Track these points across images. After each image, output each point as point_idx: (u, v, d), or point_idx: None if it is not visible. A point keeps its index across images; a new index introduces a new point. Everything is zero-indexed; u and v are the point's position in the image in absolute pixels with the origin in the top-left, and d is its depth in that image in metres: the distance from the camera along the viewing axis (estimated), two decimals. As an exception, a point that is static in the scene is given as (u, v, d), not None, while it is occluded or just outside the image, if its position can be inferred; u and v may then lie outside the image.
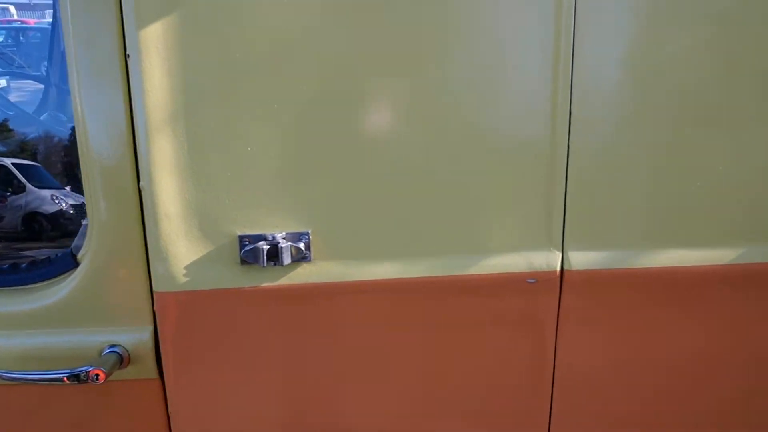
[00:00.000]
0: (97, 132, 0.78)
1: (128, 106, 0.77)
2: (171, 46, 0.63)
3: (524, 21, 0.67)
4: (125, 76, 0.76)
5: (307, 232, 0.69)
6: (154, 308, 0.70)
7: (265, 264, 0.65)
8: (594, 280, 0.73)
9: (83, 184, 0.83)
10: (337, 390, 0.75)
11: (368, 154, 0.69)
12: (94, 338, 0.84)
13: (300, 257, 0.67)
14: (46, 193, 2.29)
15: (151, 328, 0.85)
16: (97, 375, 0.78)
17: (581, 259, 0.73)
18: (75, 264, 0.85)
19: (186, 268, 0.69)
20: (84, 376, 0.78)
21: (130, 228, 0.81)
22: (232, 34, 0.63)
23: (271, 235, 0.68)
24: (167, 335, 0.71)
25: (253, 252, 0.65)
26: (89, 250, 0.84)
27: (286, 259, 0.66)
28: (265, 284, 0.70)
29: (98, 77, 0.76)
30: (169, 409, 0.74)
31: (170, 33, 0.63)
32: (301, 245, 0.67)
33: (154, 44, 0.62)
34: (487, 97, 0.69)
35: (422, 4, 0.66)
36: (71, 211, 2.21)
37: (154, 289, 0.70)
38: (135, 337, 0.85)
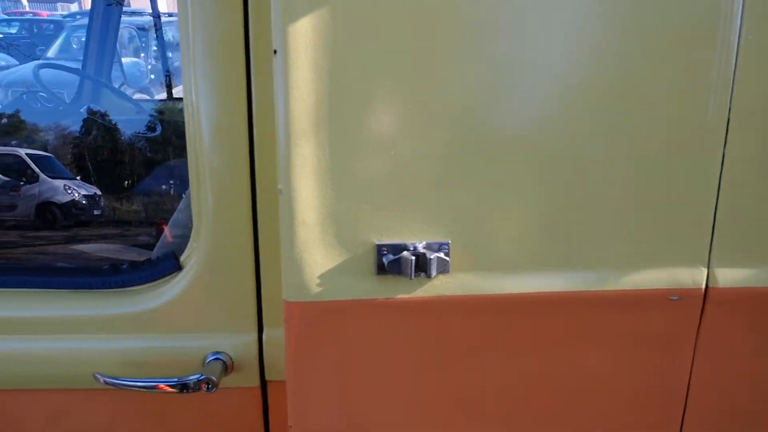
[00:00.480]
0: (214, 134, 0.75)
1: (248, 108, 0.74)
2: (319, 44, 0.60)
3: (682, 20, 0.63)
4: (246, 75, 0.73)
5: (447, 243, 0.66)
6: (283, 317, 0.67)
7: (413, 276, 0.62)
8: (740, 298, 0.70)
9: (191, 186, 0.80)
10: (468, 407, 0.72)
11: (512, 164, 0.65)
12: (196, 344, 0.81)
13: (443, 269, 0.64)
14: (59, 183, 2.29)
15: (255, 335, 0.82)
16: (210, 384, 0.75)
17: (728, 276, 0.69)
18: (178, 267, 0.82)
19: (320, 277, 0.65)
20: (196, 384, 0.75)
21: (240, 233, 0.78)
22: (382, 37, 0.60)
23: (412, 244, 0.65)
24: (295, 344, 0.68)
25: (399, 262, 0.62)
26: (194, 253, 0.81)
27: (434, 271, 0.62)
28: (399, 296, 0.67)
29: (220, 75, 0.73)
30: (290, 420, 0.71)
31: (319, 31, 0.59)
32: (443, 256, 0.64)
33: (302, 42, 0.59)
34: (639, 104, 0.65)
35: (583, 2, 0.62)
36: (83, 202, 2.20)
37: (285, 297, 0.66)
38: (239, 344, 0.82)
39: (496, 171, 0.65)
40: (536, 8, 0.61)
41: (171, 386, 0.75)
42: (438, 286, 0.67)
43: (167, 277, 0.81)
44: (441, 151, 0.64)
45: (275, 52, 0.60)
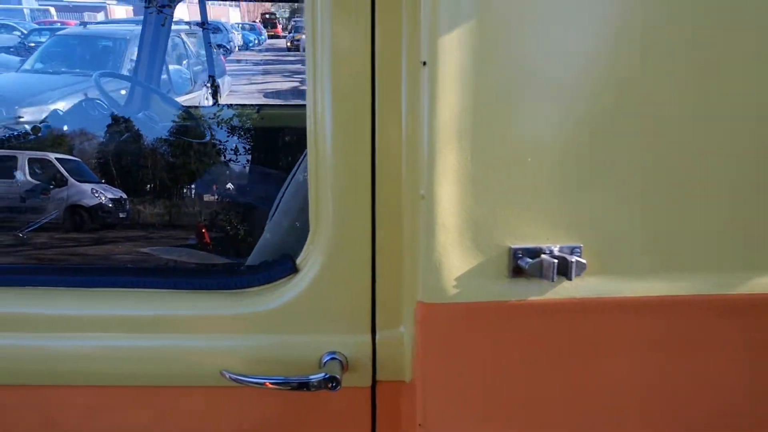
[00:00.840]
0: (336, 141, 0.78)
1: (372, 117, 0.76)
2: (465, 57, 0.62)
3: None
4: (372, 84, 0.75)
5: (580, 246, 0.67)
6: (418, 317, 0.69)
7: (555, 278, 0.64)
8: None
9: (310, 192, 0.83)
10: (594, 407, 0.73)
11: (641, 168, 0.67)
12: (312, 344, 0.84)
13: (580, 271, 0.65)
14: (87, 186, 2.35)
15: (369, 336, 0.84)
16: (334, 382, 0.78)
17: None
18: (294, 269, 0.84)
19: (456, 279, 0.67)
20: (321, 383, 0.78)
21: (359, 238, 0.80)
22: (525, 49, 0.62)
23: (547, 248, 0.67)
24: (428, 344, 0.70)
25: (540, 266, 0.64)
26: (312, 256, 0.83)
27: (574, 274, 0.64)
28: (531, 298, 0.68)
29: (344, 85, 0.76)
30: (419, 419, 0.73)
31: (466, 45, 0.62)
32: (581, 259, 0.65)
33: (450, 55, 0.61)
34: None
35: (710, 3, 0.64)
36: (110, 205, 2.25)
37: (421, 299, 0.68)
38: (354, 344, 0.84)
39: (626, 176, 0.67)
40: (679, 18, 0.63)
41: (298, 384, 0.78)
42: (569, 289, 0.68)
43: (284, 279, 0.84)
44: (574, 159, 0.66)
45: (424, 63, 0.62)
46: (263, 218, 2.13)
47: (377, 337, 0.84)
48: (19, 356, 0.82)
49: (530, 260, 0.65)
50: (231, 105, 2.95)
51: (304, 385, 0.78)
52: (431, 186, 0.65)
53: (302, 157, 1.15)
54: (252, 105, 2.95)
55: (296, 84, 12.20)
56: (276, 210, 1.11)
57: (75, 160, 2.16)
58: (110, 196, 2.11)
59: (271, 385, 0.78)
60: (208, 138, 2.48)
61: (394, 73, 0.74)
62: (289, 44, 16.75)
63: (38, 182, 2.08)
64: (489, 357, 0.71)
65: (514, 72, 0.63)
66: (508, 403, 0.73)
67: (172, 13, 2.70)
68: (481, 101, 0.63)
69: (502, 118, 0.64)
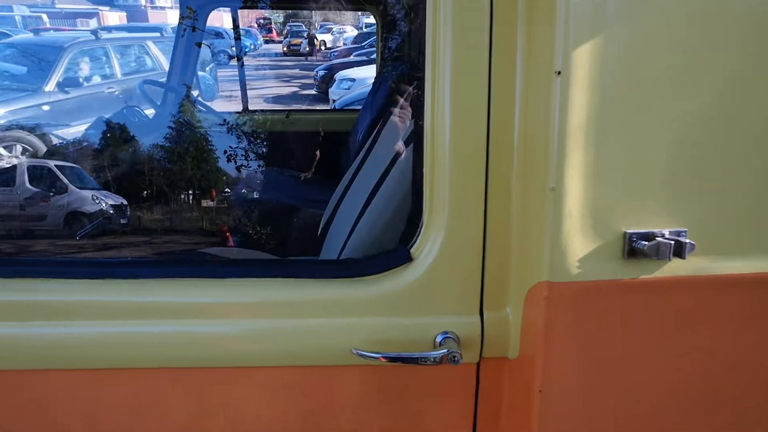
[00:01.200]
0: (455, 136, 0.86)
1: (487, 110, 0.85)
2: (595, 67, 0.72)
3: None
4: (488, 86, 0.84)
5: (685, 230, 0.77)
6: (543, 295, 0.78)
7: (671, 258, 0.73)
8: None
9: (426, 186, 0.91)
10: (703, 377, 0.82)
11: (748, 160, 0.77)
12: (426, 325, 0.92)
13: (690, 252, 0.75)
14: (87, 193, 2.41)
15: (478, 316, 0.93)
16: (456, 357, 0.87)
17: None
18: (409, 258, 0.93)
19: (579, 261, 0.77)
20: (444, 357, 0.86)
21: (472, 228, 0.89)
22: (647, 58, 0.72)
23: (659, 232, 0.76)
24: (551, 319, 0.79)
25: (657, 247, 0.74)
26: (425, 246, 0.92)
27: (687, 254, 0.74)
28: (642, 277, 0.78)
29: (464, 86, 0.85)
30: (539, 385, 0.82)
31: (596, 55, 0.72)
32: (691, 241, 0.75)
33: (582, 64, 0.71)
34: None
35: None
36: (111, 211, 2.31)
37: (548, 279, 0.78)
38: (464, 324, 0.93)
39: (729, 167, 0.77)
40: None
41: (422, 358, 0.87)
42: (675, 268, 0.78)
43: (400, 268, 0.93)
44: (685, 155, 0.76)
45: (558, 73, 0.72)
46: (307, 218, 2.21)
47: (485, 317, 0.93)
48: (174, 341, 0.90)
49: (646, 242, 0.75)
50: (263, 110, 3.03)
51: (426, 360, 0.87)
52: (561, 180, 0.74)
53: (389, 162, 1.23)
54: (281, 110, 3.03)
55: (295, 89, 12.25)
56: (363, 208, 1.19)
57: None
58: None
59: (399, 362, 0.87)
60: (246, 143, 2.55)
61: (508, 80, 0.84)
62: (285, 49, 16.73)
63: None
64: (605, 329, 0.80)
65: (635, 78, 0.73)
66: (621, 371, 0.82)
67: (205, 21, 2.78)
68: (605, 106, 0.73)
69: (623, 121, 0.74)
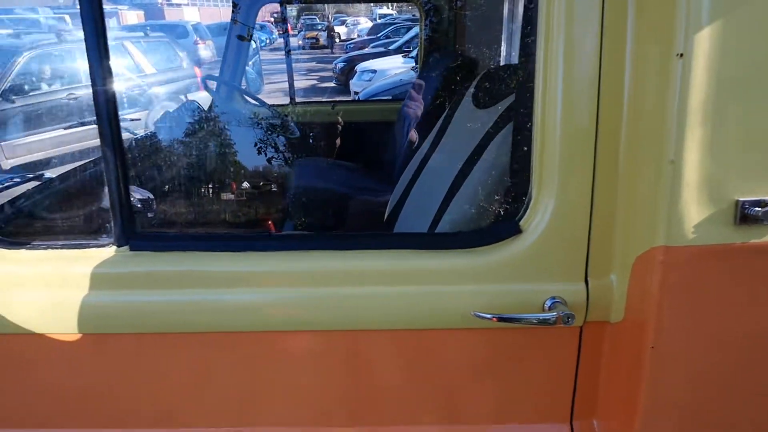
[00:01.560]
0: (568, 116, 0.93)
1: (597, 88, 0.91)
2: (713, 49, 0.78)
3: None
4: (599, 64, 0.91)
5: None
6: (659, 259, 0.85)
7: None
8: None
9: (534, 164, 0.98)
10: None
11: None
12: (535, 291, 1.00)
13: None
14: None
15: (583, 284, 1.01)
16: (569, 318, 0.95)
17: None
18: (519, 230, 1.01)
19: (694, 227, 0.84)
20: (560, 318, 0.94)
21: (581, 200, 0.96)
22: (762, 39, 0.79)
23: (765, 200, 0.83)
24: (665, 280, 0.86)
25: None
26: (535, 218, 1.00)
27: None
28: (752, 241, 0.85)
29: (577, 63, 0.91)
30: (651, 342, 0.89)
31: (714, 39, 0.78)
32: None
33: (702, 48, 0.77)
34: None
35: None
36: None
37: (666, 243, 0.85)
38: (570, 291, 1.01)
39: None
40: None
41: (542, 320, 0.95)
42: None
43: (510, 239, 1.00)
44: None
45: (680, 55, 0.78)
46: (362, 204, 2.29)
47: (589, 284, 1.01)
48: (319, 305, 1.01)
49: (759, 209, 0.81)
50: (308, 102, 3.11)
51: (544, 321, 0.95)
52: (680, 153, 0.81)
53: (478, 144, 1.31)
54: (327, 101, 3.11)
55: (314, 82, 12.33)
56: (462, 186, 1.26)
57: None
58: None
59: (518, 322, 0.95)
60: (298, 134, 2.64)
61: (618, 60, 0.90)
62: (301, 43, 16.77)
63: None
64: (716, 289, 0.87)
65: (753, 57, 0.79)
66: (728, 329, 0.89)
67: (256, 15, 2.87)
68: (724, 85, 0.79)
69: (740, 98, 0.80)
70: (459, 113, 1.63)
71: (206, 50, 11.77)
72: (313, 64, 14.41)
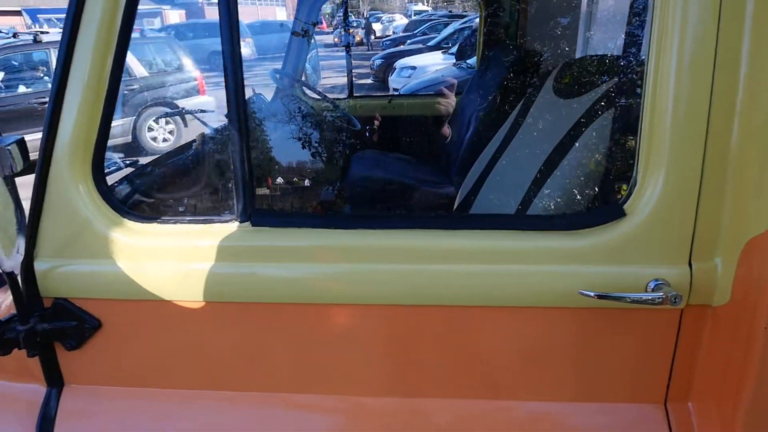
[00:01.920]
0: (683, 97, 0.95)
1: (711, 74, 0.93)
2: None
3: None
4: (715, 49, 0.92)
5: None
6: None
7: None
8: None
9: (641, 150, 1.01)
10: None
11: None
12: (639, 273, 1.03)
13: None
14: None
15: (687, 267, 1.03)
16: (676, 299, 0.97)
17: None
18: (623, 213, 1.03)
19: None
20: (671, 299, 0.97)
21: (689, 184, 0.98)
22: None
23: None
24: None
25: None
26: (640, 202, 1.02)
27: None
28: None
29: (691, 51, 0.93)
30: (764, 323, 0.91)
31: None
32: None
33: None
34: None
35: None
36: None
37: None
38: (674, 274, 1.03)
39: None
40: None
41: (651, 300, 0.97)
42: None
43: (614, 221, 1.03)
44: None
45: None
46: (426, 195, 2.34)
47: (693, 268, 1.02)
48: (426, 282, 1.06)
49: None
50: (363, 96, 3.18)
51: (651, 302, 0.98)
52: None
53: (569, 131, 1.34)
54: (384, 95, 3.17)
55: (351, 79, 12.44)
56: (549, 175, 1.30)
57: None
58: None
59: (624, 301, 0.98)
60: (359, 126, 2.71)
61: (734, 47, 0.92)
62: (336, 40, 16.95)
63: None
64: None
65: None
66: None
67: (318, 11, 2.95)
68: None
69: None
70: (538, 104, 1.65)
71: (246, 48, 12.08)
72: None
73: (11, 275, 1.04)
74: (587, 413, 1.13)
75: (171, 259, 1.10)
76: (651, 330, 1.07)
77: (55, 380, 1.20)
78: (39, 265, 1.11)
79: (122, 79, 1.09)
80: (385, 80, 9.99)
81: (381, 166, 2.67)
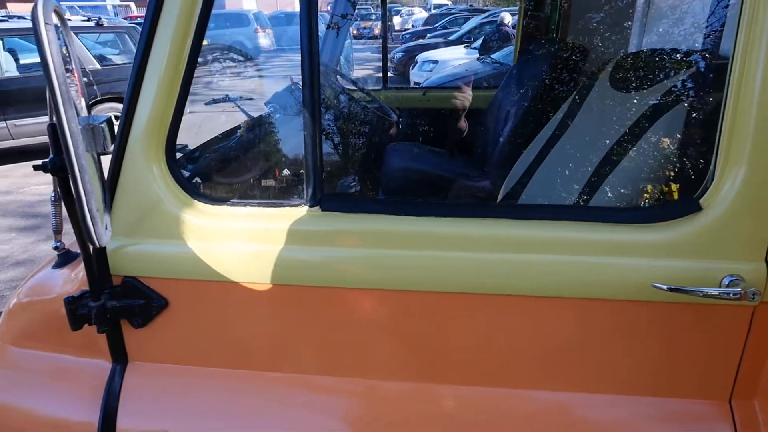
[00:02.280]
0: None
1: None
2: None
3: None
4: None
5: None
6: None
7: None
8: None
9: (720, 147, 0.99)
10: None
11: None
12: (713, 268, 1.02)
13: None
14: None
15: (763, 263, 1.01)
16: (755, 295, 0.96)
17: None
18: (699, 208, 1.02)
19: None
20: (750, 294, 0.96)
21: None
22: None
23: None
24: None
25: None
26: (718, 196, 1.01)
27: None
28: None
29: None
30: None
31: None
32: None
33: None
34: None
35: None
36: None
37: None
38: (749, 270, 1.01)
39: None
40: None
41: (723, 295, 0.97)
42: None
43: (690, 215, 1.02)
44: None
45: None
46: (464, 188, 2.33)
47: None
48: (495, 271, 1.07)
49: None
50: (398, 88, 3.17)
51: (727, 296, 0.97)
52: None
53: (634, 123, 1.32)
54: (419, 87, 3.16)
55: (370, 71, 12.41)
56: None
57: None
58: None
59: (698, 296, 0.97)
60: (395, 117, 2.71)
61: None
62: (355, 32, 16.91)
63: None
64: None
65: None
66: None
67: (354, 3, 2.95)
68: None
69: None
70: (593, 97, 1.64)
71: (266, 38, 12.07)
72: (367, 54, 14.48)
73: (87, 252, 1.06)
74: (649, 408, 1.13)
75: (240, 241, 1.12)
76: (722, 326, 1.06)
77: (120, 357, 1.22)
78: (110, 244, 1.14)
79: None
80: (405, 73, 9.95)
81: (417, 158, 2.67)
